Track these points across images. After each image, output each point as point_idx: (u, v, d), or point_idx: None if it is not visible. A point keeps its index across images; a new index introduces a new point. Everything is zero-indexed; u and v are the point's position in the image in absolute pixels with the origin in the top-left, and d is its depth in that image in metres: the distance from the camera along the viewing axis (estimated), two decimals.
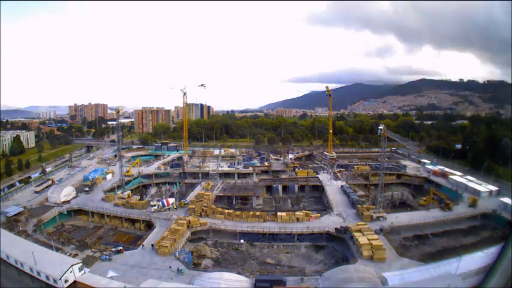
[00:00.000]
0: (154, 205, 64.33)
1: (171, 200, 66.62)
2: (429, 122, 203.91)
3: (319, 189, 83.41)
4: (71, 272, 36.09)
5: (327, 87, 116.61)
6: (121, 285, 34.92)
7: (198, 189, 78.59)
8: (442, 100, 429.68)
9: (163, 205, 64.39)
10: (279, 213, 60.19)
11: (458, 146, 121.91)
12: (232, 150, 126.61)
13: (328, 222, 57.09)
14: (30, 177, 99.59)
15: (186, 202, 67.10)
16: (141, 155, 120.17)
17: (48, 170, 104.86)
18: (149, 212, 63.00)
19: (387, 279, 35.51)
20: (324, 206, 72.79)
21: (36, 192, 76.27)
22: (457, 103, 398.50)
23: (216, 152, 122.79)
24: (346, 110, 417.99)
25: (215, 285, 36.05)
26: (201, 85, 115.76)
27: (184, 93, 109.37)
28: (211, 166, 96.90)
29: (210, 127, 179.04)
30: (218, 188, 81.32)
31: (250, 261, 49.91)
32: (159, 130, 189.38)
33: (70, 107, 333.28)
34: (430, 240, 55.06)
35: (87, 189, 76.24)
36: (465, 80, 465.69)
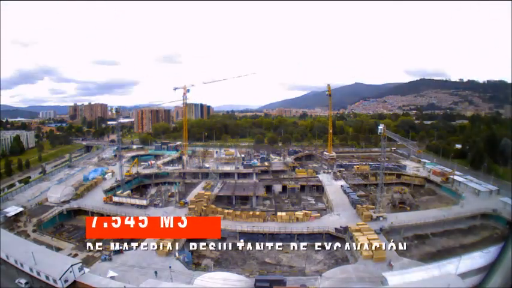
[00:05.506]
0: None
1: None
2: (429, 122, 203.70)
3: (319, 189, 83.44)
4: (70, 272, 36.09)
5: (328, 85, 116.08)
6: (121, 285, 34.92)
7: (197, 189, 78.60)
8: (441, 100, 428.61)
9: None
10: (279, 213, 60.16)
11: (458, 146, 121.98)
12: (232, 150, 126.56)
13: (328, 222, 57.06)
14: (30, 177, 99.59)
15: (185, 202, 67.13)
16: (141, 155, 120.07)
17: (48, 170, 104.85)
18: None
19: (387, 279, 35.51)
20: (324, 206, 72.81)
21: None
22: (457, 103, 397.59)
23: (216, 151, 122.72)
24: (346, 110, 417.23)
25: (215, 285, 36.03)
26: (205, 83, 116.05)
27: (185, 93, 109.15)
28: (211, 166, 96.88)
29: (210, 127, 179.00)
30: (218, 187, 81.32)
31: (250, 261, 49.92)
32: (159, 130, 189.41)
33: (70, 107, 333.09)
34: (430, 240, 55.10)
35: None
36: (465, 79, 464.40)
